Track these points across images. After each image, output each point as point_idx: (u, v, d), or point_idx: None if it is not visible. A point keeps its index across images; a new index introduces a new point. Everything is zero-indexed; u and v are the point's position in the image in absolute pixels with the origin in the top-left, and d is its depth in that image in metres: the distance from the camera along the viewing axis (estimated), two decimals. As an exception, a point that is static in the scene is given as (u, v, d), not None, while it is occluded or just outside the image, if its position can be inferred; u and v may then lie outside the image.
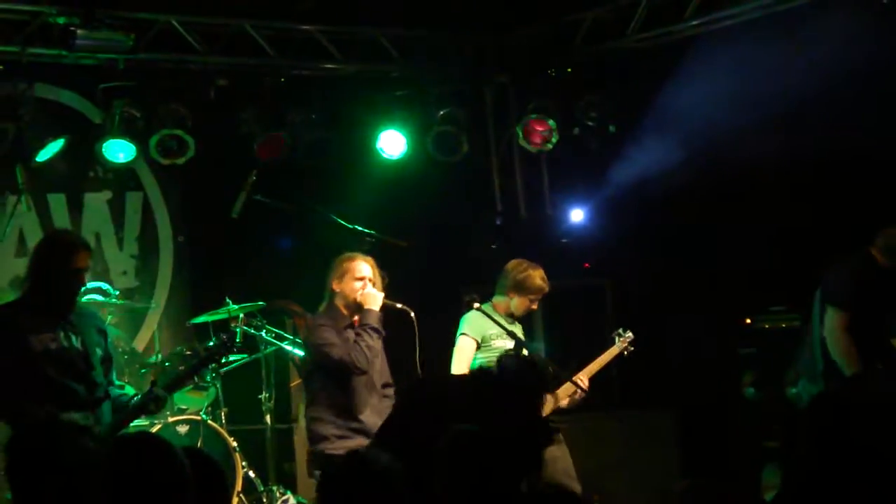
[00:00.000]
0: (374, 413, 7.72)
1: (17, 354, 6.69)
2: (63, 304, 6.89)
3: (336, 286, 7.92)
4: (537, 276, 8.41)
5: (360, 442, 7.54)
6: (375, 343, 7.80)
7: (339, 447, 7.51)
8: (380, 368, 7.92)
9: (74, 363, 6.80)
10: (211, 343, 7.46)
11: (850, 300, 8.04)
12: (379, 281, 7.97)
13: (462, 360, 8.28)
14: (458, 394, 3.01)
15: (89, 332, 6.96)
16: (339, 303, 7.93)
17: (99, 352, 6.96)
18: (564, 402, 8.36)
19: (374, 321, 7.81)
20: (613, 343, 8.79)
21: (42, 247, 7.06)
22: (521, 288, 8.39)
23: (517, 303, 8.43)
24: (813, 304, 8.40)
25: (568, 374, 8.41)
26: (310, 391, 8.00)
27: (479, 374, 3.07)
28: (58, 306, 6.87)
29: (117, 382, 7.30)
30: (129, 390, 7.50)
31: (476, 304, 8.27)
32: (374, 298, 7.84)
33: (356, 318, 7.91)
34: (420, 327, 8.01)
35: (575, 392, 8.33)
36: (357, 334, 7.78)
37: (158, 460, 4.04)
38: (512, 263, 8.53)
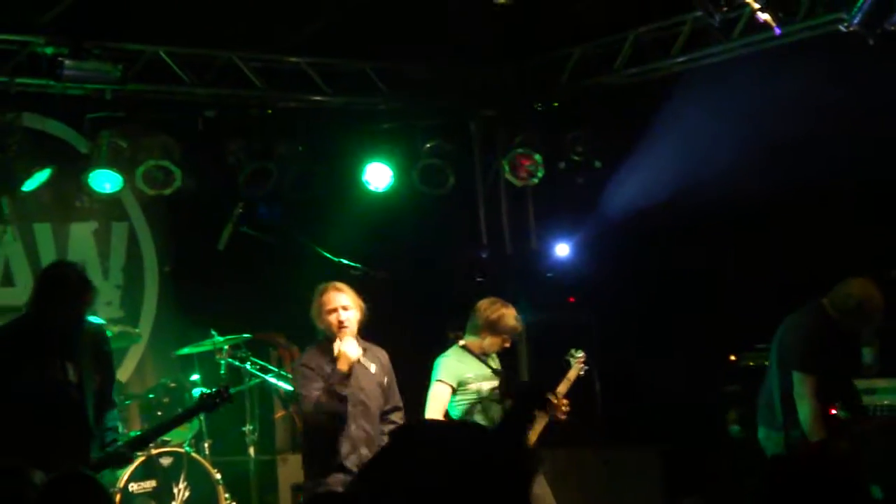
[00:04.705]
0: (365, 445, 7.62)
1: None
2: (61, 336, 6.72)
3: (318, 323, 7.79)
4: (511, 316, 8.27)
5: (342, 480, 7.50)
6: (340, 407, 7.54)
7: (319, 485, 7.44)
8: (377, 398, 7.78)
9: (64, 402, 6.65)
10: (198, 393, 7.24)
11: (814, 364, 7.82)
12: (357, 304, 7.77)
13: (436, 406, 8.12)
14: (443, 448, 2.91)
15: (87, 358, 6.78)
16: (326, 335, 7.78)
17: (95, 381, 6.78)
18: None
19: (338, 383, 7.54)
20: (570, 366, 8.64)
21: (46, 278, 6.90)
22: (494, 328, 8.24)
23: (490, 342, 8.27)
24: (770, 353, 8.25)
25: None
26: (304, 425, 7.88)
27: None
28: (54, 338, 6.71)
29: (110, 422, 7.11)
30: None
31: (462, 342, 8.20)
32: (346, 358, 7.60)
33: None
34: (404, 361, 7.96)
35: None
36: (326, 391, 7.56)
37: (88, 496, 4.17)
38: (484, 303, 8.35)
